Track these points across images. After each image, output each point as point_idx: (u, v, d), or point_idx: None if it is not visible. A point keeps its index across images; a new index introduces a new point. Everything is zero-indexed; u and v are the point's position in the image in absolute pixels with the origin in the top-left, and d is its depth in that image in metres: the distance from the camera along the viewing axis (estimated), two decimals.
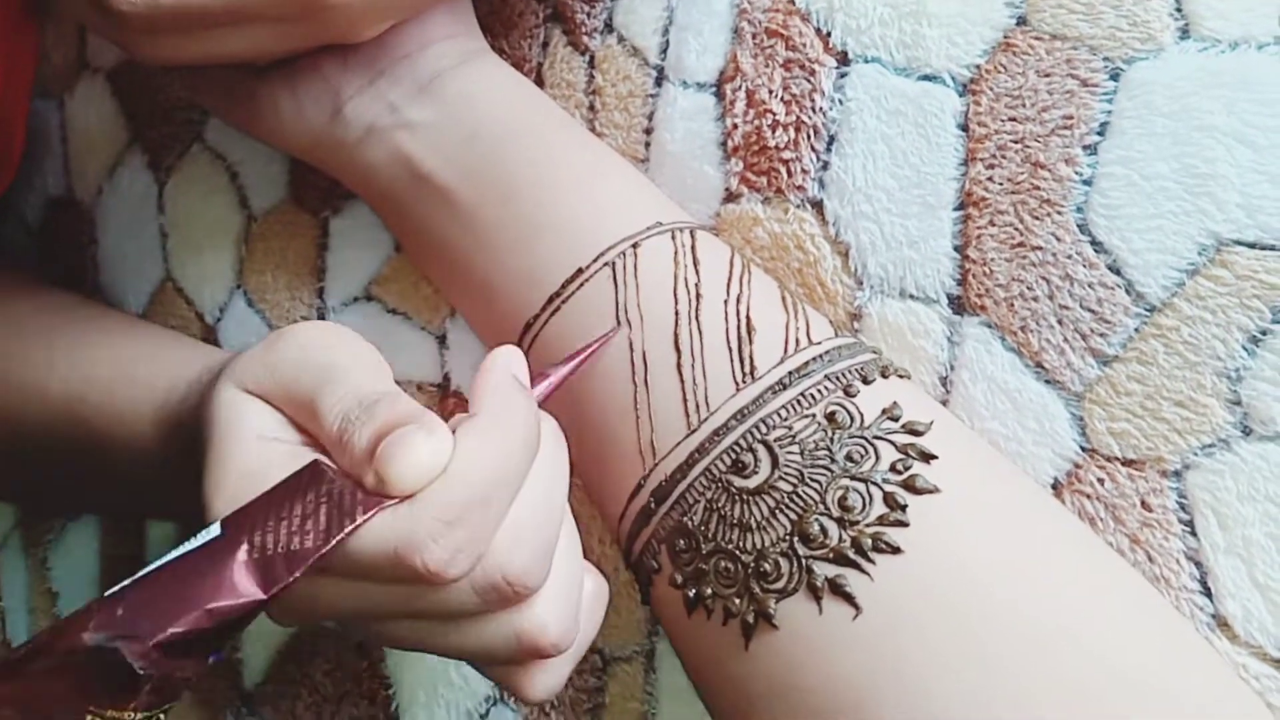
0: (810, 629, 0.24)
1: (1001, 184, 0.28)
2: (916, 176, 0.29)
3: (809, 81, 0.30)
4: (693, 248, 0.29)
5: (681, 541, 0.26)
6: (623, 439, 0.28)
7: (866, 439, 0.25)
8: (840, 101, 0.30)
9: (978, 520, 0.24)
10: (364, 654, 0.37)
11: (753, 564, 0.25)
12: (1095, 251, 0.27)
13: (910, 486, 0.24)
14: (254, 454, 0.26)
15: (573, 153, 0.31)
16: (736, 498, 0.25)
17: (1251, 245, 0.25)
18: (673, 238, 0.29)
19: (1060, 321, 0.27)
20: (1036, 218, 0.27)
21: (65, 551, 0.45)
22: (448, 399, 0.36)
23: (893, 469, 0.24)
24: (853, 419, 0.25)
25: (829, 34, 0.30)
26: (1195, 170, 0.26)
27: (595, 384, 0.28)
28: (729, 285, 0.28)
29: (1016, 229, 0.28)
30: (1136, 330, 0.26)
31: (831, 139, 0.30)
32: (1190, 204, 0.26)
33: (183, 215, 0.41)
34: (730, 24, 0.32)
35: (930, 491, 0.24)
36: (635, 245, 0.28)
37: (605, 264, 0.28)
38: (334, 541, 0.23)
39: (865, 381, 0.26)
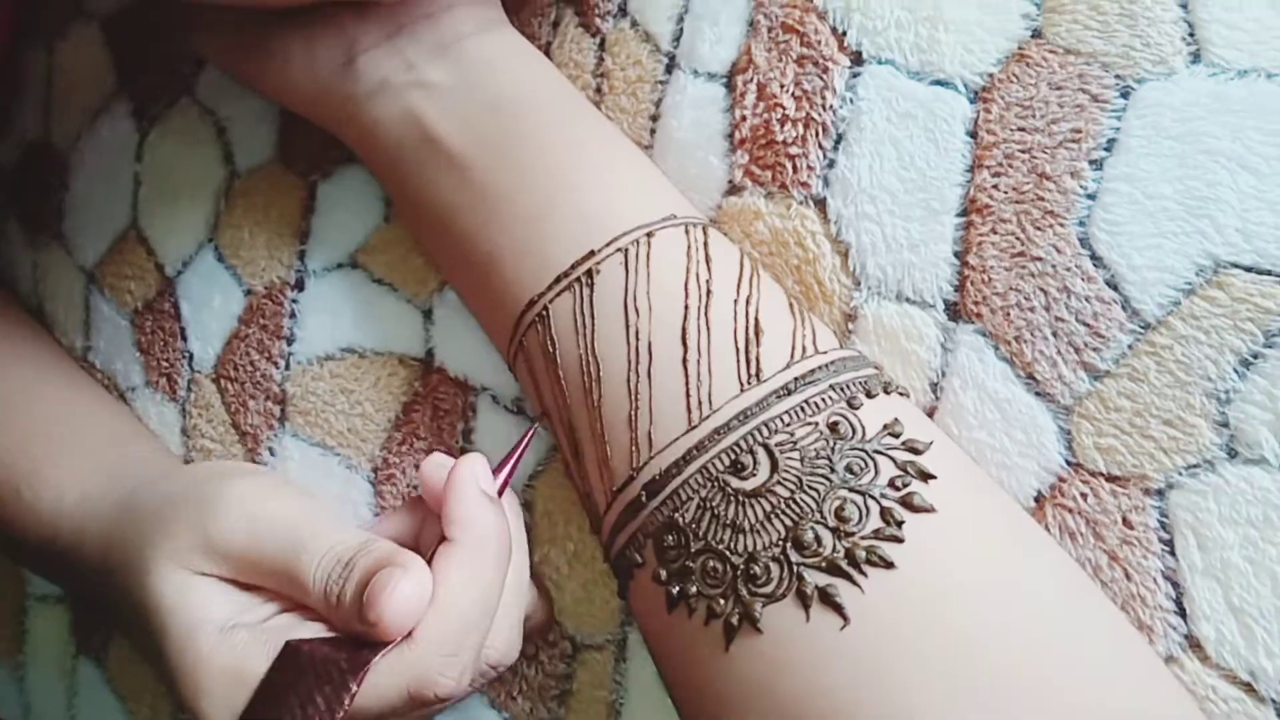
0: (795, 636, 0.23)
1: (1006, 193, 0.28)
2: (922, 180, 0.29)
3: (821, 79, 0.30)
4: (705, 244, 0.28)
5: (670, 537, 0.26)
6: (617, 429, 0.27)
7: (867, 452, 0.25)
8: (851, 100, 0.30)
9: (971, 544, 0.24)
10: None
11: (742, 566, 0.24)
12: (1094, 265, 0.27)
13: (908, 504, 0.24)
14: (224, 649, 0.27)
15: (590, 134, 0.31)
16: (732, 498, 0.25)
17: (1248, 269, 0.25)
18: (686, 232, 0.28)
19: (1055, 333, 0.27)
20: (1039, 228, 0.28)
21: None
22: (430, 374, 0.35)
23: (891, 485, 0.24)
24: (854, 431, 0.25)
25: (844, 33, 0.30)
26: (1197, 193, 0.26)
27: (593, 372, 0.28)
28: (739, 285, 0.28)
29: (1018, 238, 0.28)
30: (1130, 347, 0.26)
31: (839, 137, 0.30)
32: (1191, 225, 0.26)
33: (161, 165, 0.40)
34: (746, 16, 0.32)
35: (927, 510, 0.24)
36: (650, 234, 0.28)
37: (618, 249, 0.28)
38: (340, 716, 0.25)
39: (868, 395, 0.26)
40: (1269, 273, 0.25)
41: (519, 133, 0.30)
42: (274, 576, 0.29)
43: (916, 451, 0.25)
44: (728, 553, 0.25)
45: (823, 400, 0.26)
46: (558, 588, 0.33)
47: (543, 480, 0.33)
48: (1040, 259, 0.28)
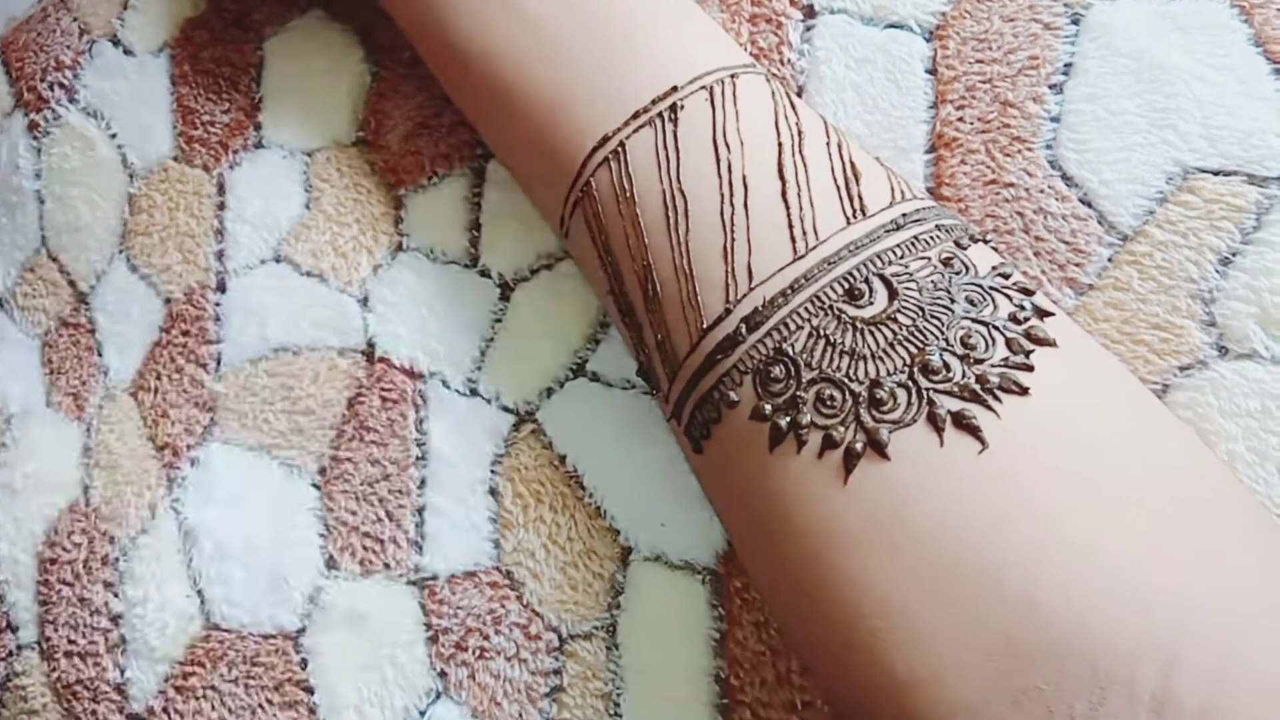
0: (928, 461, 0.22)
1: (972, 124, 0.28)
2: (887, 121, 0.29)
3: (776, 34, 0.31)
4: (787, 93, 0.27)
5: (777, 369, 0.24)
6: (707, 262, 0.25)
7: (983, 288, 0.24)
8: (807, 52, 0.30)
9: (1097, 374, 0.24)
10: (282, 655, 0.33)
11: (865, 393, 0.23)
12: (1066, 185, 0.27)
13: (1031, 336, 0.23)
14: None
15: None
16: (849, 326, 0.24)
17: (1215, 173, 0.26)
18: (767, 81, 0.27)
19: (1036, 254, 0.27)
20: (1008, 155, 0.28)
21: None
22: (375, 364, 0.33)
23: (1012, 319, 0.23)
24: (967, 268, 0.24)
25: None
26: (1158, 105, 0.27)
27: (679, 206, 0.26)
28: (827, 131, 0.27)
29: (989, 167, 0.28)
30: (1110, 259, 0.27)
31: (800, 89, 0.30)
32: (1155, 136, 0.27)
33: (59, 179, 0.38)
34: None
35: (1049, 344, 0.23)
36: (734, 76, 0.27)
37: (702, 86, 0.27)
38: None
39: (971, 239, 0.25)
40: (1236, 173, 0.26)
41: None
42: None
43: (1028, 292, 0.24)
44: (847, 380, 0.23)
45: (931, 238, 0.25)
46: (534, 576, 0.31)
47: (508, 463, 0.31)
48: (1013, 184, 0.28)
